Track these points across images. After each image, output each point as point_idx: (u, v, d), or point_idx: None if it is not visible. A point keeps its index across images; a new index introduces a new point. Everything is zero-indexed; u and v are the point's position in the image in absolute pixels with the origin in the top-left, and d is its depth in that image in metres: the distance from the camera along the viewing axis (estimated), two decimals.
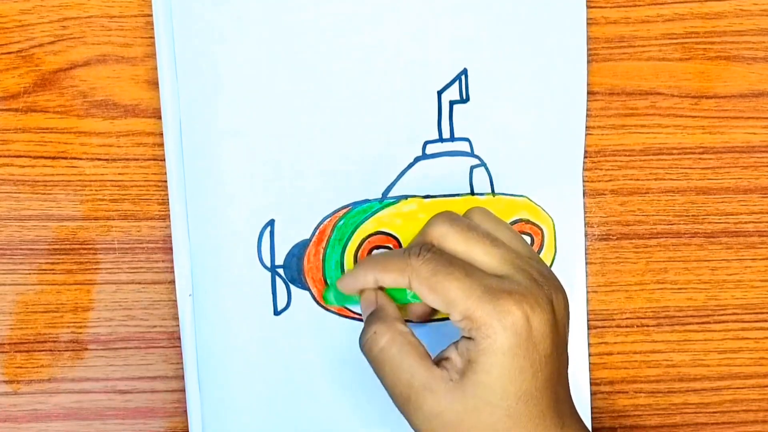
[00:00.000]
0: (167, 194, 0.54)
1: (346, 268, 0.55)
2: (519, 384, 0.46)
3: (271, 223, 0.54)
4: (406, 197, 0.55)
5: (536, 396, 0.47)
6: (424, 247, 0.48)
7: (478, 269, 0.48)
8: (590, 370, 0.58)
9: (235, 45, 0.53)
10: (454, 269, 0.47)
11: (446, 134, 0.55)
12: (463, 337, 0.47)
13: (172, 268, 0.55)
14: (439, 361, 0.48)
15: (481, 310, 0.46)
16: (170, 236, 0.55)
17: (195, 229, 0.54)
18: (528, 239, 0.56)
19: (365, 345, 0.49)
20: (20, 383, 0.56)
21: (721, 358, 0.58)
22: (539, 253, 0.56)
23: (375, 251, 0.55)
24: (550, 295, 0.48)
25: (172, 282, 0.55)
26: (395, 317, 0.49)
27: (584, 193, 0.57)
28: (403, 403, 0.48)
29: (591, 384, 0.58)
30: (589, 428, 0.51)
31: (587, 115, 0.56)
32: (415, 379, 0.47)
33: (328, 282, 0.55)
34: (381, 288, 0.51)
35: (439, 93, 0.54)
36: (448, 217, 0.50)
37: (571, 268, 0.57)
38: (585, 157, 0.57)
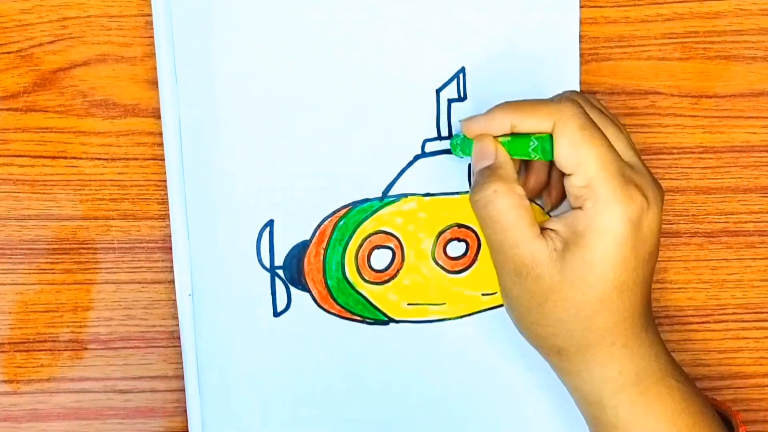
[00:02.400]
0: (167, 194, 0.54)
1: (347, 268, 0.55)
2: (620, 273, 0.46)
3: (271, 223, 0.54)
4: (406, 196, 0.55)
5: (632, 289, 0.47)
6: (573, 96, 0.48)
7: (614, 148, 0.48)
8: None
9: (235, 44, 0.53)
10: (601, 134, 0.47)
11: (445, 132, 0.54)
12: (573, 208, 0.48)
13: (172, 267, 0.55)
14: (543, 231, 0.48)
15: (608, 188, 0.46)
16: (170, 236, 0.55)
17: (194, 228, 0.54)
18: None
19: (481, 201, 0.48)
20: (20, 383, 0.56)
21: (721, 357, 0.58)
22: None
23: (376, 251, 0.55)
24: (663, 195, 0.48)
25: (172, 282, 0.55)
26: (515, 178, 0.49)
27: None
28: (502, 260, 0.48)
29: None
30: None
31: None
32: (522, 243, 0.47)
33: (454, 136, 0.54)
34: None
35: (438, 91, 0.54)
36: (578, 94, 0.49)
37: None
38: None
